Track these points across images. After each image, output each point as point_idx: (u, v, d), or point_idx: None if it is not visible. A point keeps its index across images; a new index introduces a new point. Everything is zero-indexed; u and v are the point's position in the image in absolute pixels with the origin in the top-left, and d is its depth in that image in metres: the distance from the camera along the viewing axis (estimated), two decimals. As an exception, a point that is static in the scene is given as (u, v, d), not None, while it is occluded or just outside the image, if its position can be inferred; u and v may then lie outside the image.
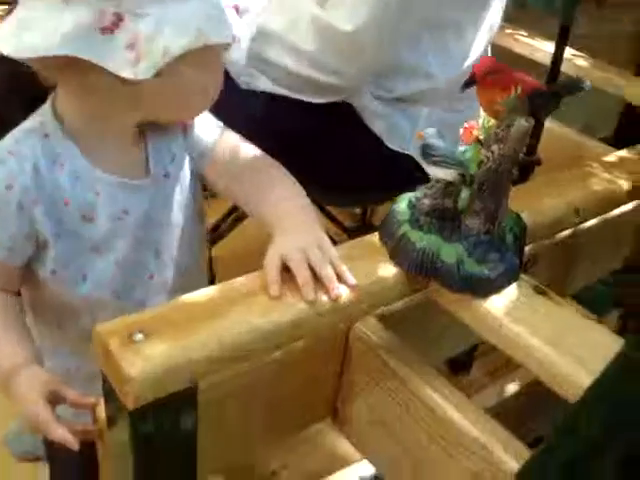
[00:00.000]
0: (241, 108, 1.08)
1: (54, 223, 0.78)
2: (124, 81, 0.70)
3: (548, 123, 1.44)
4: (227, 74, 1.10)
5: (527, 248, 0.93)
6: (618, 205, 1.00)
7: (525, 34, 1.63)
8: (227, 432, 0.81)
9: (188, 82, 0.76)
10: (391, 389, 0.82)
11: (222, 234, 1.60)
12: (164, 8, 0.69)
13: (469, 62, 1.17)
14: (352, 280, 0.71)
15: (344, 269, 0.71)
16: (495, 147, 0.67)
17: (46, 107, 0.80)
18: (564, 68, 1.39)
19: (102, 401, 0.71)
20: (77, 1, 0.68)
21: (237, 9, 0.74)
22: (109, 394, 0.67)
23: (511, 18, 1.36)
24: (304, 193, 0.84)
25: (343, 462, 1.28)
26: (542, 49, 1.54)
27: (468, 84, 0.75)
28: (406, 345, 0.84)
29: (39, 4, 0.70)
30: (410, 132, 1.15)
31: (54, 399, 0.74)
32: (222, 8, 0.73)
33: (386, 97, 1.14)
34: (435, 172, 0.71)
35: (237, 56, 1.11)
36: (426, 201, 0.74)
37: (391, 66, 1.11)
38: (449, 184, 0.72)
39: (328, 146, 1.16)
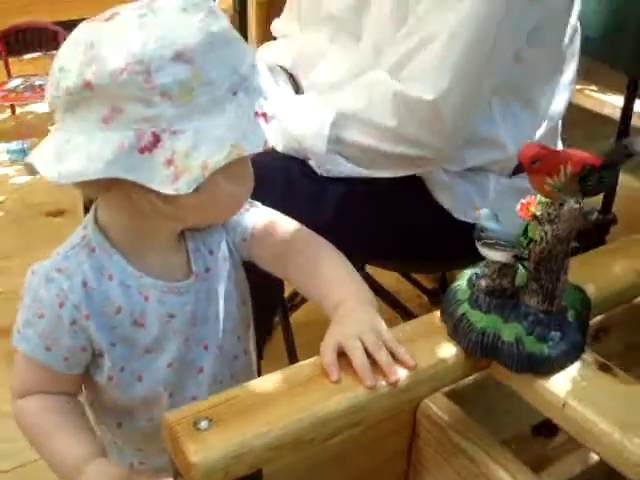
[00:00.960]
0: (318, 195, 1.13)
1: (107, 332, 0.81)
2: (166, 198, 0.72)
3: (627, 179, 1.42)
4: (303, 163, 1.15)
5: (599, 318, 0.92)
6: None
7: (595, 89, 1.62)
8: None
9: (223, 193, 0.78)
10: (459, 466, 0.81)
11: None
12: (200, 123, 0.70)
13: (541, 131, 1.17)
14: (411, 361, 0.71)
15: (402, 350, 0.72)
16: (548, 228, 0.68)
17: (89, 221, 0.82)
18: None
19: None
20: (115, 125, 0.69)
21: (265, 116, 0.74)
22: (178, 477, 0.70)
23: (580, 72, 1.35)
24: (351, 268, 0.84)
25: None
26: (612, 103, 1.52)
27: (516, 172, 0.75)
28: (473, 422, 0.83)
29: (75, 128, 0.71)
30: (479, 201, 1.15)
31: None
32: (254, 119, 0.73)
33: (456, 169, 1.16)
34: (489, 254, 0.72)
35: (319, 146, 1.13)
36: (483, 282, 0.74)
37: (466, 137, 1.12)
38: (505, 265, 0.72)
39: (392, 214, 1.18)
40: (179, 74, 0.68)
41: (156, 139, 0.69)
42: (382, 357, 0.70)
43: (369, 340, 0.71)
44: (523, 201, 0.73)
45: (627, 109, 1.33)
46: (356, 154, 1.13)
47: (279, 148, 1.17)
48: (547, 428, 1.42)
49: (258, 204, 0.92)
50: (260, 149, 0.73)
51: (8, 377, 0.84)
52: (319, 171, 1.15)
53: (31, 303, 0.80)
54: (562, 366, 0.72)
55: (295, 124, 1.15)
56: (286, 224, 0.89)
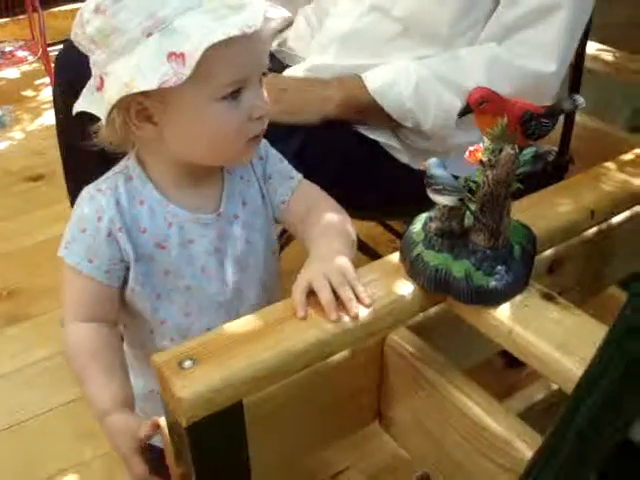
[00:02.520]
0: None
1: (133, 247, 0.91)
2: (154, 124, 0.85)
3: (583, 119, 1.48)
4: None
5: (549, 252, 1.00)
6: (634, 204, 1.05)
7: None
8: (281, 440, 0.90)
9: (208, 114, 0.85)
10: (426, 395, 0.90)
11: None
12: (116, 65, 0.82)
13: None
14: (366, 300, 0.79)
15: (360, 289, 0.80)
16: (489, 172, 0.75)
17: (132, 154, 0.93)
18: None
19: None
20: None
21: (177, 56, 0.79)
22: (168, 414, 0.78)
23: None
24: (349, 244, 0.92)
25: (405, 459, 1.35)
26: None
27: (463, 113, 0.82)
28: (438, 352, 0.91)
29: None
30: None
31: (143, 445, 0.85)
32: (163, 58, 0.79)
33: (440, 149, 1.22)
34: (437, 199, 0.79)
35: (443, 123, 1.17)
36: (433, 224, 0.81)
37: None
38: (452, 208, 0.79)
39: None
40: (97, 24, 0.82)
41: (101, 81, 0.84)
42: (343, 294, 0.78)
43: (335, 279, 0.79)
44: (471, 148, 0.80)
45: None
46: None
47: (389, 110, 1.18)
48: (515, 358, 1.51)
49: (299, 176, 1.00)
50: (154, 86, 0.79)
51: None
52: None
53: (76, 220, 0.92)
54: (508, 297, 0.80)
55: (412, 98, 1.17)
56: (322, 205, 0.98)
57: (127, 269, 0.93)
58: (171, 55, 0.79)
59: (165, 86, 0.78)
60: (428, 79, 1.15)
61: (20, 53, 2.91)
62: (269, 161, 1.00)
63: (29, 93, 2.87)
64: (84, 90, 0.89)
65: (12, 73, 2.98)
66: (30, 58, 2.84)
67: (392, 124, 1.21)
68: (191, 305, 0.97)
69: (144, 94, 0.81)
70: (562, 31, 1.13)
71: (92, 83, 0.87)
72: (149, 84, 0.79)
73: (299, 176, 1.00)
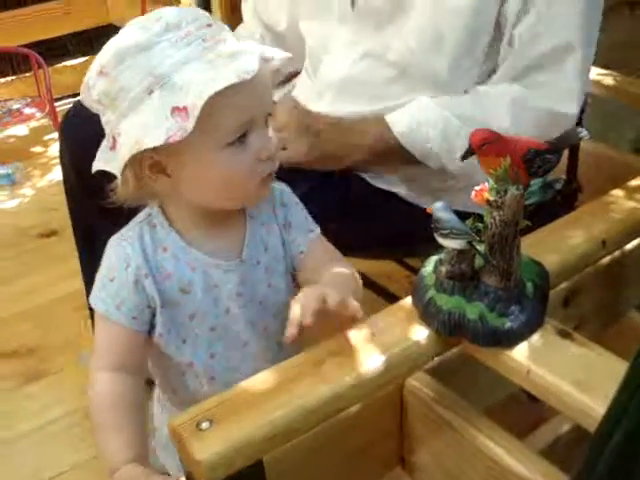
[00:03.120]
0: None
1: (159, 294, 0.93)
2: (168, 175, 0.87)
3: (587, 145, 1.48)
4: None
5: (563, 286, 0.99)
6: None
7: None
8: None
9: (216, 162, 0.86)
10: (447, 437, 0.89)
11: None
12: (125, 124, 0.84)
13: None
14: (359, 313, 0.83)
15: (353, 303, 0.83)
16: (495, 214, 0.74)
17: (155, 203, 0.95)
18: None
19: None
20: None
21: (181, 110, 0.81)
22: (188, 476, 0.77)
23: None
24: (352, 287, 0.93)
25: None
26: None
27: (466, 155, 0.81)
28: (457, 395, 0.90)
29: None
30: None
31: None
32: (166, 113, 0.81)
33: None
34: (445, 243, 0.78)
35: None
36: (443, 268, 0.81)
37: None
38: (461, 251, 0.79)
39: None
40: (102, 87, 0.84)
41: (114, 140, 0.87)
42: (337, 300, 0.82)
43: (330, 294, 0.82)
44: (477, 188, 0.80)
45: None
46: None
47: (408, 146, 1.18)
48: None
49: (318, 230, 1.01)
50: (161, 142, 0.81)
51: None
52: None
53: (104, 269, 0.94)
54: (524, 336, 0.79)
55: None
56: (336, 262, 0.99)
57: (154, 315, 0.95)
58: (174, 110, 0.81)
59: (171, 141, 0.80)
60: (453, 120, 1.15)
61: (27, 110, 2.94)
62: (291, 210, 1.00)
63: (38, 149, 2.90)
64: (100, 149, 0.91)
65: (21, 130, 3.02)
66: (38, 115, 2.87)
67: (408, 166, 1.21)
68: (216, 347, 0.98)
69: (154, 149, 0.83)
70: (578, 73, 1.14)
71: (106, 143, 0.89)
72: (156, 140, 0.81)
73: (318, 230, 1.01)
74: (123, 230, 0.95)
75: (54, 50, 3.38)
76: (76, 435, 1.56)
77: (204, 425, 0.72)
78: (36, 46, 3.04)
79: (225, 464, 0.70)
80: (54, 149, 2.80)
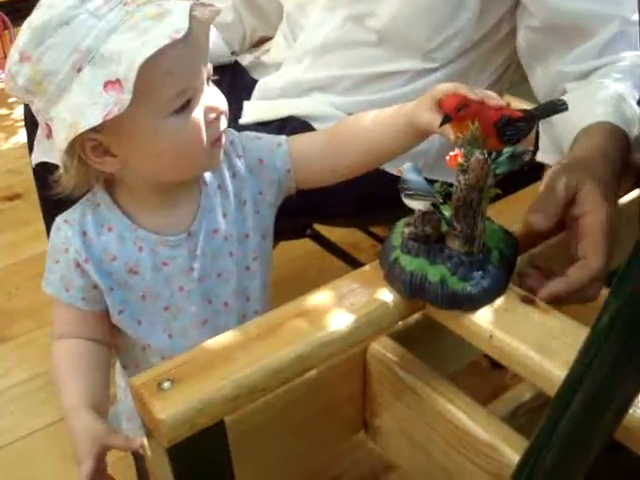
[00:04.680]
0: None
1: (105, 277, 0.90)
2: (114, 156, 0.83)
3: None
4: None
5: (530, 253, 0.99)
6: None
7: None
8: (266, 456, 0.89)
9: (160, 131, 0.82)
10: (409, 402, 0.89)
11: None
12: (57, 109, 0.80)
13: None
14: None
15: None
16: (461, 178, 0.74)
17: (100, 182, 0.91)
18: None
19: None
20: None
21: (114, 83, 0.76)
22: (149, 435, 0.77)
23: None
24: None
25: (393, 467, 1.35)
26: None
27: (443, 122, 0.81)
28: (418, 359, 0.90)
29: None
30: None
31: (103, 451, 0.84)
32: (99, 90, 0.77)
33: None
34: (410, 204, 0.78)
35: None
36: (407, 229, 0.81)
37: None
38: (426, 213, 0.79)
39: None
40: (26, 74, 0.79)
41: (48, 128, 0.82)
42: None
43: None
44: (452, 153, 0.79)
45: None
46: None
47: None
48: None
49: (284, 137, 0.98)
50: (98, 120, 0.76)
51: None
52: None
53: (50, 251, 0.92)
54: (485, 302, 0.79)
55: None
56: (312, 133, 0.99)
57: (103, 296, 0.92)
58: (107, 84, 0.76)
59: (110, 117, 0.76)
60: None
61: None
62: (249, 150, 0.97)
63: (3, 111, 2.85)
64: (36, 140, 0.87)
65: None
66: (3, 76, 2.82)
67: None
68: (173, 326, 0.96)
69: (94, 130, 0.78)
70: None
71: (40, 132, 0.85)
72: (93, 120, 0.76)
73: (284, 137, 0.98)
74: (68, 210, 0.92)
75: (20, 11, 3.29)
76: (38, 400, 1.55)
77: (166, 385, 0.71)
78: (2, 6, 2.97)
79: (187, 424, 0.70)
80: (19, 111, 2.75)
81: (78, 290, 0.91)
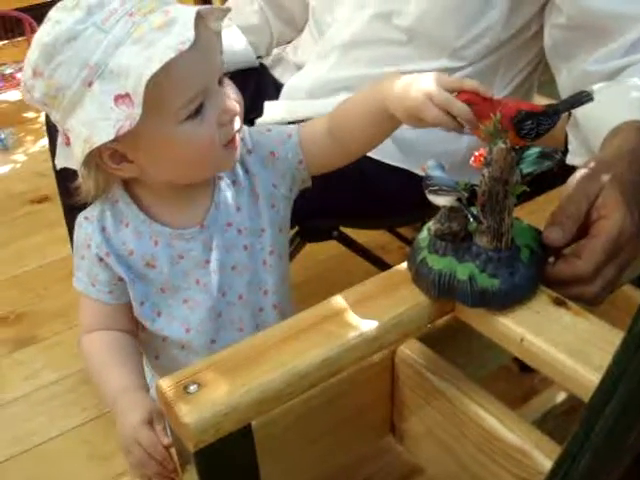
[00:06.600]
0: None
1: (125, 269, 0.92)
2: (131, 162, 0.85)
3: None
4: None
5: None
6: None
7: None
8: (293, 460, 0.88)
9: (176, 137, 0.83)
10: (439, 406, 0.88)
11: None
12: (72, 123, 0.82)
13: None
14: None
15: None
16: (485, 171, 0.73)
17: (118, 180, 0.92)
18: None
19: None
20: None
21: (123, 97, 0.77)
22: (176, 439, 0.76)
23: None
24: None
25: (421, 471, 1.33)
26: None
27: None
28: (449, 363, 0.89)
29: None
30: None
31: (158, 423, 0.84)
32: (109, 105, 0.78)
33: None
34: (435, 200, 0.77)
35: None
36: (433, 227, 0.79)
37: None
38: (452, 209, 0.77)
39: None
40: (40, 88, 0.80)
41: (67, 137, 0.84)
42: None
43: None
44: (476, 153, 0.78)
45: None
46: None
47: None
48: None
49: (295, 127, 0.97)
50: (111, 136, 0.78)
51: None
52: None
53: (75, 249, 0.95)
54: (514, 300, 0.77)
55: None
56: (319, 118, 0.97)
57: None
58: (117, 98, 0.77)
59: (122, 132, 0.77)
60: None
61: (20, 75, 2.91)
62: (260, 144, 0.96)
63: (31, 115, 2.87)
64: (57, 145, 0.88)
65: (13, 95, 2.99)
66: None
67: None
68: (190, 319, 0.96)
69: (110, 140, 0.79)
70: None
71: (61, 140, 0.87)
72: (106, 136, 0.78)
73: (294, 127, 0.97)
74: (88, 208, 0.94)
75: (47, 15, 3.33)
76: (67, 401, 1.56)
77: (192, 388, 0.71)
78: (30, 10, 3.00)
79: (213, 428, 0.69)
80: (46, 115, 2.77)
81: (104, 284, 0.93)
